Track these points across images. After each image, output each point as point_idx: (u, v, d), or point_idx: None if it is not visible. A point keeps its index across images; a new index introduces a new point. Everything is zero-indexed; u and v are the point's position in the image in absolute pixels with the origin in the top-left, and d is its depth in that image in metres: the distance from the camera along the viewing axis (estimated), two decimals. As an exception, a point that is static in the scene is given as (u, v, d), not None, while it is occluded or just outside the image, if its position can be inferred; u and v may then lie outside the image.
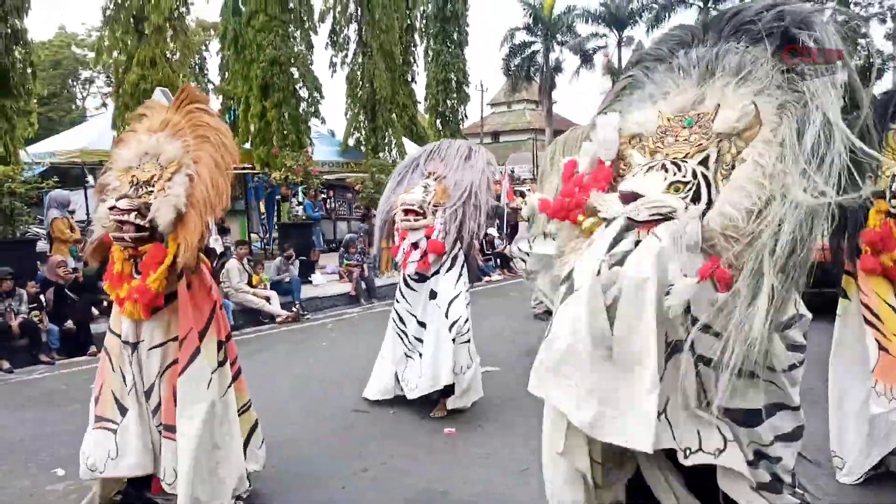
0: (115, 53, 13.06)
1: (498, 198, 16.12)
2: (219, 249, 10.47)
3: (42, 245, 11.08)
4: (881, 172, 3.02)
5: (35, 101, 12.22)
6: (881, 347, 3.50)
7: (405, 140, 18.20)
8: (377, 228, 5.97)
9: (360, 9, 17.61)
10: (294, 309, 10.21)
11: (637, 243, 1.96)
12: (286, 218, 14.53)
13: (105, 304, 9.03)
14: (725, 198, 1.93)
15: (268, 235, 17.00)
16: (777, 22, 2.04)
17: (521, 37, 33.14)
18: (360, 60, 17.75)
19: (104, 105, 33.08)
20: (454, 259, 5.35)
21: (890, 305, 3.49)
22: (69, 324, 8.19)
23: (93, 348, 8.09)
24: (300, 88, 15.68)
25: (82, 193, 14.29)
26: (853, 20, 2.06)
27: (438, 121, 22.19)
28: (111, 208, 3.46)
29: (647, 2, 30.31)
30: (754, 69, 2.06)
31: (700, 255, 1.93)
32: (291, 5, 15.41)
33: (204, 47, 25.26)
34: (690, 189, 1.97)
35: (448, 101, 22.15)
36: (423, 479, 4.15)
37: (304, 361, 7.43)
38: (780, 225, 1.77)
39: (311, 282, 12.08)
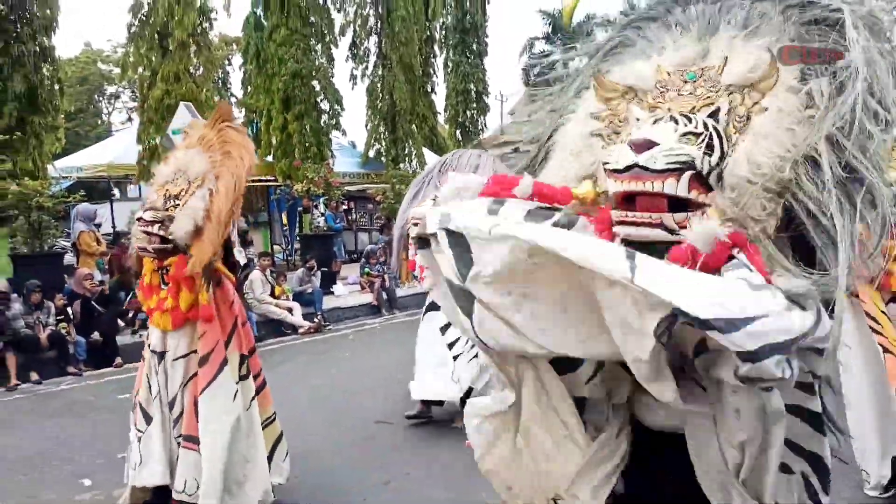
0: (139, 69, 13.27)
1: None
2: (242, 261, 10.60)
3: (69, 258, 11.27)
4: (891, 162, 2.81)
5: (62, 116, 12.47)
6: (885, 350, 3.47)
7: (425, 151, 18.27)
8: (395, 241, 6.00)
9: (379, 22, 17.76)
10: (316, 320, 10.27)
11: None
12: (308, 229, 14.64)
13: (130, 315, 9.20)
14: (751, 146, 1.75)
15: (290, 247, 17.14)
16: None
17: (542, 46, 33.19)
18: (380, 73, 17.88)
19: (129, 120, 33.75)
20: None
21: (883, 312, 3.47)
22: (96, 335, 8.31)
23: (119, 360, 8.21)
24: (321, 101, 15.83)
25: (108, 207, 14.53)
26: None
27: (458, 131, 22.23)
28: (138, 219, 3.60)
29: (668, 9, 30.24)
30: (763, 23, 1.92)
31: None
32: (312, 19, 15.58)
33: (227, 62, 25.62)
34: (703, 141, 1.77)
35: (468, 112, 22.20)
36: (445, 491, 4.14)
37: (326, 372, 7.47)
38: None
39: (332, 293, 12.14)
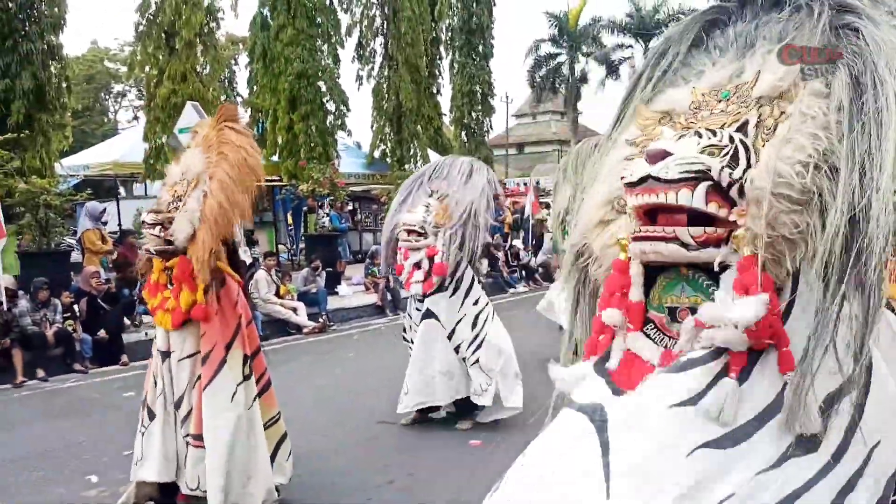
0: (147, 68, 13.36)
1: (499, 214, 16.18)
2: (247, 261, 10.64)
3: (76, 256, 11.32)
4: None
5: (69, 114, 12.53)
6: None
7: (430, 152, 18.30)
8: (383, 245, 5.97)
9: (386, 23, 17.81)
10: (321, 320, 10.30)
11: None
12: (313, 229, 14.70)
13: (135, 313, 9.24)
14: (772, 152, 1.65)
15: (295, 247, 17.19)
16: None
17: (547, 48, 33.24)
18: (386, 73, 17.93)
19: (136, 118, 33.81)
20: (458, 281, 5.34)
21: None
22: (101, 333, 8.35)
23: (125, 358, 8.25)
24: (327, 101, 15.88)
25: (114, 205, 14.59)
26: None
27: (464, 133, 22.28)
28: (142, 221, 3.64)
29: (674, 13, 30.20)
30: (798, 34, 1.85)
31: None
32: (319, 20, 15.64)
33: (233, 61, 25.68)
34: (727, 154, 1.69)
35: (473, 113, 22.24)
36: (449, 491, 4.16)
37: (330, 372, 7.49)
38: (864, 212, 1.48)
39: (337, 293, 12.17)
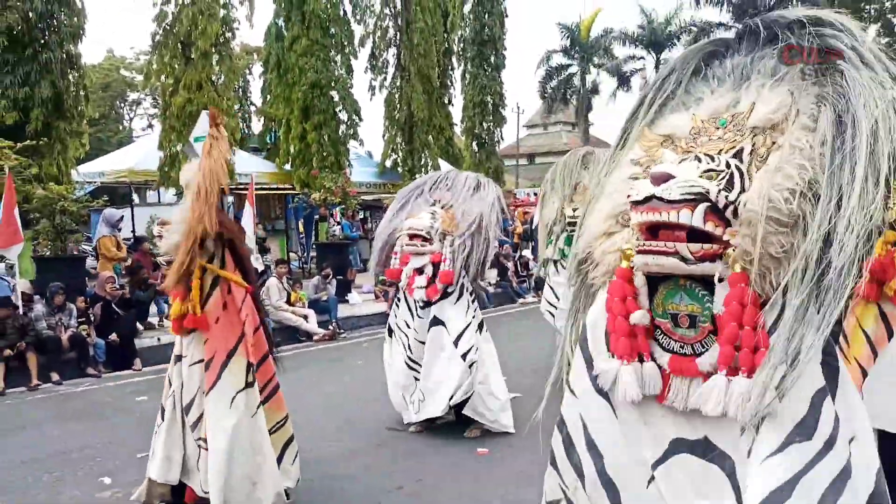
0: (162, 77, 13.51)
1: (505, 228, 16.25)
2: (259, 268, 10.74)
3: (91, 262, 11.47)
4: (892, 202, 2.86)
5: (86, 122, 12.70)
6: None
7: (441, 162, 18.40)
8: (376, 251, 5.91)
9: (399, 33, 17.97)
10: (331, 327, 10.38)
11: None
12: (324, 238, 14.78)
13: (149, 320, 9.36)
14: (764, 180, 1.84)
15: (306, 255, 17.30)
16: (815, 27, 2.00)
17: (558, 59, 33.32)
18: (398, 84, 18.06)
19: (150, 126, 34.22)
20: (462, 288, 5.39)
21: (864, 332, 3.48)
22: (114, 338, 8.46)
23: (137, 362, 8.35)
24: (340, 111, 16.01)
25: (128, 211, 14.75)
26: None
27: (474, 143, 22.34)
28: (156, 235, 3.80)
29: (685, 24, 30.24)
30: (791, 70, 2.03)
31: None
32: (333, 30, 15.80)
33: (247, 70, 25.92)
34: (724, 178, 1.89)
35: (484, 124, 22.30)
36: (457, 498, 4.21)
37: (339, 379, 7.56)
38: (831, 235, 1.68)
39: (347, 301, 12.25)
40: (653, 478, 1.99)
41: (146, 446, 4.96)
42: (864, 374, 3.42)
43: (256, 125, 22.35)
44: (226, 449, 3.54)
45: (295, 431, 4.10)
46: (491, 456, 4.92)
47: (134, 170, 14.36)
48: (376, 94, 18.35)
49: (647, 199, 1.87)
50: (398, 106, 17.97)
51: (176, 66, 13.10)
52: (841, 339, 3.45)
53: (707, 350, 1.90)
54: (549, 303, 7.04)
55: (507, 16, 22.28)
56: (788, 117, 1.93)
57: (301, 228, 17.90)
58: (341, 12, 16.31)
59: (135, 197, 17.38)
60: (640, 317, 1.98)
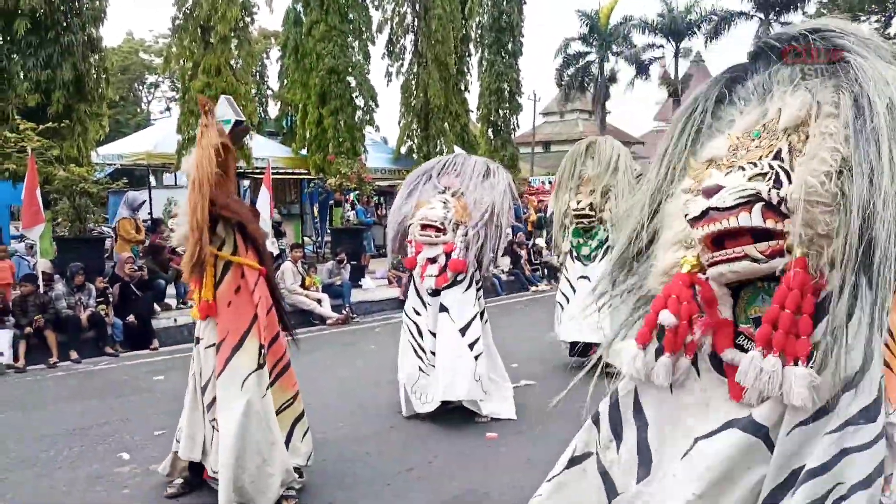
0: (182, 61, 13.61)
1: (519, 216, 16.26)
2: (275, 252, 10.85)
3: (110, 243, 11.64)
4: None
5: (106, 105, 12.82)
6: (885, 364, 3.49)
7: (457, 148, 18.41)
8: (390, 239, 5.96)
9: (416, 20, 17.94)
10: (344, 312, 10.49)
11: None
12: (339, 223, 14.88)
13: (166, 301, 9.50)
14: (802, 169, 1.97)
15: (320, 239, 17.42)
16: (823, 35, 2.12)
17: (577, 47, 33.09)
18: (415, 70, 18.06)
19: (168, 109, 34.44)
20: (471, 277, 5.43)
21: None
22: (132, 318, 8.61)
23: (155, 342, 8.50)
24: (356, 97, 16.06)
25: (146, 194, 14.92)
26: None
27: (490, 130, 22.31)
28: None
29: (706, 13, 29.90)
30: (806, 75, 2.16)
31: None
32: (351, 16, 15.82)
33: (265, 55, 25.99)
34: (770, 178, 2.00)
35: (500, 111, 22.25)
36: (467, 481, 4.28)
37: (352, 363, 7.65)
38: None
39: (361, 286, 12.37)
40: (690, 449, 2.08)
41: (163, 424, 5.13)
42: None
43: (273, 110, 22.46)
44: (236, 430, 3.62)
45: (308, 414, 4.19)
46: (499, 441, 5.00)
47: (152, 153, 14.49)
48: (393, 80, 18.37)
49: (704, 213, 1.99)
50: (414, 92, 17.98)
51: (195, 50, 13.18)
52: (887, 334, 3.49)
53: None
54: (563, 294, 7.06)
55: (525, 3, 22.17)
56: (811, 112, 2.05)
57: (316, 213, 18.01)
58: (360, -2, 16.31)
59: (152, 179, 17.55)
60: (665, 317, 2.10)
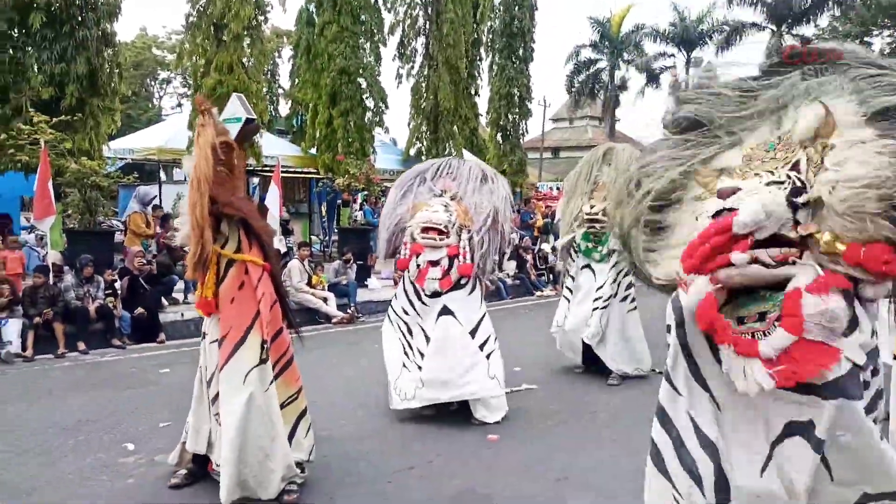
0: (194, 58, 13.71)
1: (529, 217, 16.27)
2: (282, 250, 10.90)
3: (120, 237, 11.73)
4: None
5: (118, 99, 12.93)
6: None
7: (466, 152, 18.42)
8: (383, 241, 5.86)
9: (428, 23, 18.03)
10: (349, 311, 10.54)
11: None
12: (346, 223, 14.95)
13: (173, 295, 9.57)
14: (832, 174, 1.96)
15: (328, 238, 17.48)
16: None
17: (588, 53, 33.17)
18: (425, 73, 18.15)
19: (180, 105, 34.59)
20: (475, 280, 5.47)
21: None
22: (140, 311, 8.67)
23: (161, 336, 8.56)
24: (367, 98, 16.15)
25: (157, 189, 15.01)
26: None
27: (499, 134, 22.34)
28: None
29: (718, 23, 29.89)
30: (823, 86, 2.17)
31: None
32: (363, 17, 15.92)
33: (276, 54, 26.10)
34: (787, 187, 2.00)
35: (510, 116, 22.28)
36: (468, 481, 4.32)
37: (356, 362, 7.70)
38: None
39: (366, 286, 12.41)
40: (769, 458, 2.05)
41: (168, 416, 5.19)
42: None
43: (284, 108, 22.56)
44: (237, 424, 3.66)
45: (312, 411, 4.22)
46: (500, 443, 5.03)
47: (163, 148, 14.60)
48: (403, 82, 18.49)
49: (718, 214, 1.98)
50: (424, 95, 18.06)
51: (208, 47, 13.27)
52: None
53: (769, 335, 1.98)
54: (567, 288, 7.13)
55: (537, 8, 22.20)
56: (829, 121, 2.05)
57: (324, 212, 18.08)
58: (372, 0, 16.39)
59: (162, 175, 17.64)
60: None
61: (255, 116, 4.92)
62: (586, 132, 42.67)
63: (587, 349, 6.72)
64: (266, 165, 14.34)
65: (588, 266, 6.84)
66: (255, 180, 17.15)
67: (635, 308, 6.83)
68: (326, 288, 10.73)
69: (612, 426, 5.39)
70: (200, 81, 13.29)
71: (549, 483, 4.29)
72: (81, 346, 7.94)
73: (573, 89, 33.38)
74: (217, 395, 3.82)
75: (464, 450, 4.88)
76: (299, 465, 4.00)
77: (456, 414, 5.50)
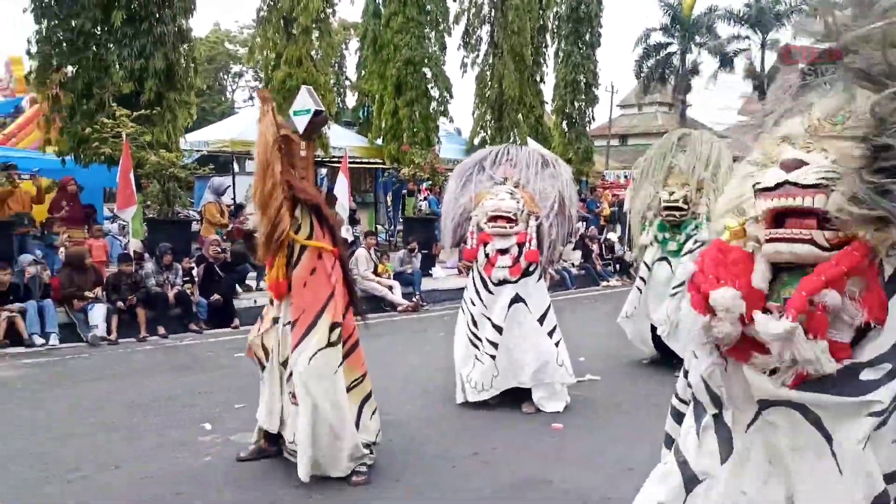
0: (265, 52, 14.07)
1: (596, 206, 15.96)
2: (349, 238, 11.14)
3: (196, 226, 12.21)
4: None
5: (194, 93, 13.39)
6: None
7: (530, 140, 18.34)
8: (449, 231, 5.85)
9: (493, 11, 17.93)
10: (414, 299, 10.69)
11: None
12: (411, 212, 15.11)
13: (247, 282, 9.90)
14: None
15: (393, 228, 17.72)
16: None
17: (657, 37, 32.37)
18: (490, 61, 18.07)
19: (251, 98, 35.50)
20: (542, 267, 5.46)
21: None
22: (216, 297, 9.03)
23: (236, 321, 8.89)
24: (432, 88, 16.22)
25: (230, 180, 15.51)
26: None
27: (564, 122, 22.09)
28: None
29: (795, 4, 28.65)
30: (806, 76, 2.04)
31: None
32: (428, 7, 15.97)
33: (343, 46, 26.49)
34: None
35: (576, 103, 22.00)
36: (530, 468, 4.35)
37: (421, 349, 7.81)
38: None
39: (431, 275, 12.53)
40: (756, 418, 1.98)
41: (243, 398, 5.41)
42: None
43: (351, 100, 22.90)
44: (312, 404, 3.82)
45: (378, 396, 4.32)
46: (564, 433, 5.03)
47: (236, 140, 15.05)
48: (468, 71, 18.44)
49: (780, 185, 1.87)
50: (489, 83, 18.00)
51: (278, 41, 13.60)
52: None
53: None
54: (641, 279, 6.91)
55: (604, -8, 21.83)
56: None
57: (389, 202, 18.32)
58: (437, -11, 16.44)
59: (235, 166, 18.22)
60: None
61: (323, 108, 5.06)
62: (656, 118, 41.63)
63: (657, 341, 6.61)
64: (334, 156, 14.62)
65: (665, 258, 6.59)
66: (324, 171, 17.52)
67: None
68: (392, 276, 10.91)
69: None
70: (271, 75, 13.64)
71: (610, 473, 4.28)
72: (161, 330, 8.33)
73: (642, 74, 32.66)
74: (290, 375, 3.97)
75: (528, 438, 4.91)
76: (367, 446, 4.11)
77: (518, 402, 5.53)
